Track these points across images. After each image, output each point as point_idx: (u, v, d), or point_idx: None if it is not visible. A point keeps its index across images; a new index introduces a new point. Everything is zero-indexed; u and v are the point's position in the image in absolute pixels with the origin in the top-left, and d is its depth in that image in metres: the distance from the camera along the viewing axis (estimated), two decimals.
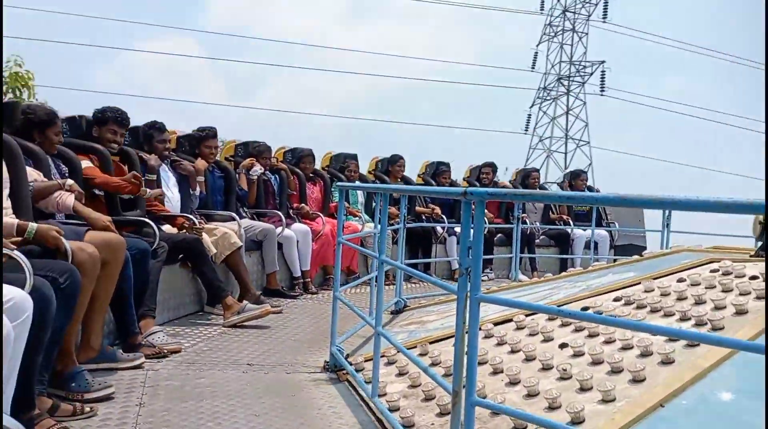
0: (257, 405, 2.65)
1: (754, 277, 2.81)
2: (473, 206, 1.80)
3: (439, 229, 7.08)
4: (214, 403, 2.64)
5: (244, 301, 4.14)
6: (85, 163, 3.68)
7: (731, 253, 3.65)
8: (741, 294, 2.66)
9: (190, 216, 4.33)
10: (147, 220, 3.82)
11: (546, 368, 2.53)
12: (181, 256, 4.13)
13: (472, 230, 1.77)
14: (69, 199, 3.11)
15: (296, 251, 5.46)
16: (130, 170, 3.96)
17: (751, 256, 3.50)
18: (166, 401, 2.64)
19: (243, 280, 4.48)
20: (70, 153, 3.57)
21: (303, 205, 5.98)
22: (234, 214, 4.89)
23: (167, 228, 4.23)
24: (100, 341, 2.98)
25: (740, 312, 2.51)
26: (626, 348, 2.48)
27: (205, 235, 4.22)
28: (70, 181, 3.17)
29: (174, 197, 4.54)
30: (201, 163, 4.86)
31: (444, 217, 7.15)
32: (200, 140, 5.03)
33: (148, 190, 3.86)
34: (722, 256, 3.32)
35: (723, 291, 2.75)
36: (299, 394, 2.85)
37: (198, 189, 4.73)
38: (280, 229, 5.28)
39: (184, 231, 4.17)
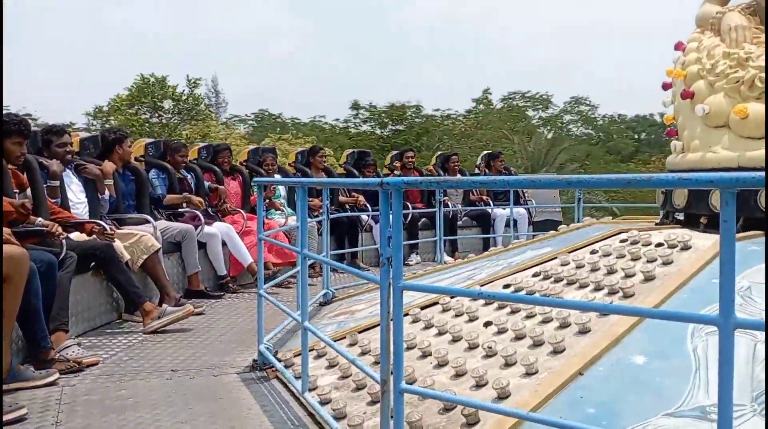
0: (184, 412, 2.56)
1: (659, 245, 2.98)
2: (391, 196, 1.79)
3: (364, 217, 7.08)
4: (137, 415, 2.53)
5: (164, 305, 3.99)
6: None
7: (638, 223, 3.86)
8: (648, 261, 2.81)
9: (100, 221, 4.11)
10: (47, 229, 3.53)
11: (472, 347, 2.59)
12: (92, 264, 3.92)
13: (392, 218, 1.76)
14: None
15: (220, 250, 5.31)
16: (30, 178, 3.71)
17: (656, 224, 3.72)
18: (85, 417, 2.50)
19: (161, 283, 4.31)
20: None
21: (225, 201, 5.83)
22: (148, 217, 4.69)
23: (76, 235, 4.00)
24: (9, 360, 2.80)
25: (648, 278, 2.65)
26: (546, 321, 2.57)
27: (117, 241, 4.03)
28: None
29: (80, 203, 4.30)
30: (109, 166, 4.63)
31: (368, 205, 7.16)
32: (118, 141, 4.79)
33: (40, 219, 3.53)
34: (630, 226, 3.50)
35: (632, 259, 2.90)
36: (228, 397, 2.78)
37: (107, 193, 4.50)
38: (199, 228, 5.12)
39: (94, 237, 3.95)
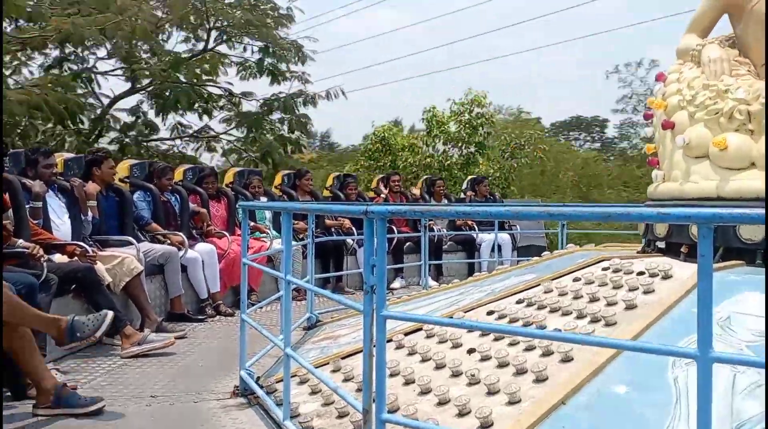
0: None
1: (641, 273, 3.01)
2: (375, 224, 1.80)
3: (349, 241, 7.08)
4: None
5: (146, 330, 3.94)
6: None
7: (620, 251, 3.90)
8: (630, 290, 2.84)
9: (82, 243, 4.07)
10: (29, 251, 3.49)
11: (455, 375, 2.58)
12: (73, 286, 3.87)
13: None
14: None
15: (202, 273, 5.27)
16: (12, 199, 3.67)
17: (637, 252, 3.75)
18: None
19: (142, 307, 4.27)
20: None
21: (207, 223, 5.80)
22: (131, 239, 4.65)
23: (57, 257, 3.96)
24: (54, 382, 2.76)
25: (630, 307, 2.67)
26: (529, 349, 2.57)
27: (99, 263, 3.98)
28: None
29: (63, 224, 4.26)
30: (92, 187, 4.60)
31: (354, 228, 7.16)
32: (96, 162, 4.77)
33: (21, 240, 3.49)
34: (612, 254, 3.53)
35: (614, 288, 2.92)
36: (208, 424, 2.73)
37: (90, 214, 4.46)
38: (182, 251, 5.08)
39: (76, 259, 3.91)
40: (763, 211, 1.13)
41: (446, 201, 8.50)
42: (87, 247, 4.04)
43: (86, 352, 3.99)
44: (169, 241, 5.12)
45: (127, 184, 5.34)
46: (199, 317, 5.06)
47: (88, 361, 3.74)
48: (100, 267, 4.00)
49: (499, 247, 7.70)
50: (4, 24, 10.06)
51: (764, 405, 1.87)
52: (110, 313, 2.93)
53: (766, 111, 3.07)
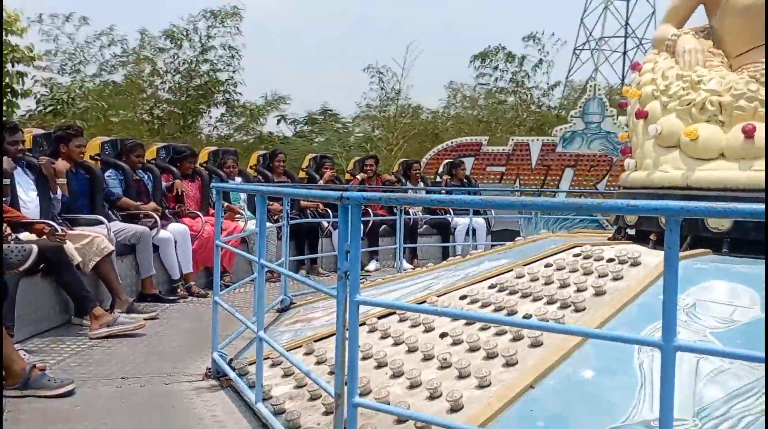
0: (133, 422, 2.51)
1: (610, 260, 3.06)
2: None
3: (324, 223, 7.06)
4: (85, 425, 2.46)
5: (116, 312, 3.90)
6: None
7: (591, 238, 3.96)
8: (599, 276, 2.89)
9: (51, 222, 4.00)
10: None
11: (427, 358, 2.60)
12: (41, 265, 3.80)
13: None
14: None
15: (174, 253, 5.21)
16: None
17: (608, 239, 3.82)
18: (28, 427, 2.42)
19: (113, 287, 4.21)
20: None
21: (180, 204, 5.73)
22: (101, 218, 4.57)
23: (25, 235, 3.88)
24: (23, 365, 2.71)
25: (599, 293, 2.72)
26: (500, 333, 2.61)
27: (68, 242, 3.91)
28: None
29: (31, 202, 4.17)
30: (62, 164, 4.50)
31: (329, 210, 7.14)
32: (63, 139, 4.65)
33: None
34: (583, 240, 3.58)
35: (584, 274, 2.97)
36: (179, 406, 2.73)
37: (59, 192, 4.37)
38: (155, 230, 5.02)
39: (44, 238, 3.84)
40: (730, 204, 1.15)
41: (422, 184, 8.51)
42: (56, 225, 3.97)
43: (54, 332, 3.94)
44: (142, 216, 5.05)
45: (98, 162, 5.24)
46: (171, 298, 5.02)
47: (57, 341, 3.70)
48: (69, 246, 3.93)
49: (474, 231, 7.75)
50: None
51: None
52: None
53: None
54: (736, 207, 1.14)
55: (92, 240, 4.17)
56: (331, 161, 8.15)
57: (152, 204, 5.16)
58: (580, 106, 10.68)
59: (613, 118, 10.20)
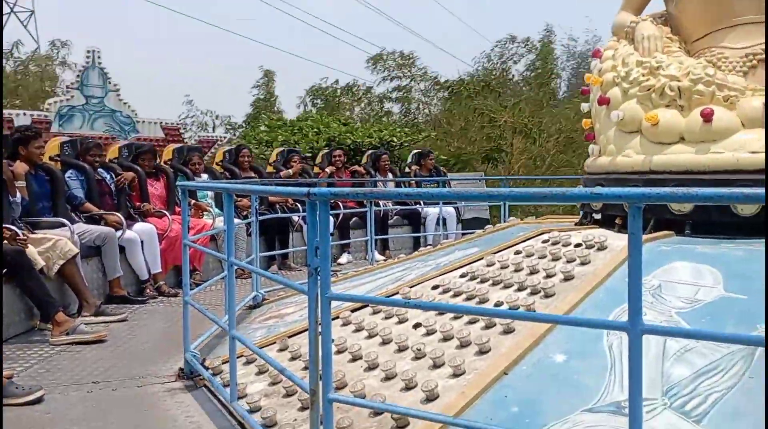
0: (107, 427, 2.46)
1: (578, 245, 3.12)
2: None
3: (295, 217, 7.02)
4: None
5: (78, 319, 3.82)
6: None
7: (559, 223, 4.02)
8: (568, 261, 2.94)
9: (11, 226, 3.89)
10: None
11: (402, 349, 2.62)
12: (3, 270, 3.70)
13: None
14: None
15: (141, 253, 5.12)
16: None
17: (575, 224, 3.88)
18: None
19: (79, 290, 4.13)
20: None
21: (145, 203, 5.62)
22: (64, 220, 4.46)
23: None
24: None
25: (567, 278, 2.77)
26: (472, 322, 2.64)
27: (30, 247, 3.81)
28: None
29: None
30: (20, 167, 4.37)
31: (299, 204, 7.09)
32: (22, 141, 4.52)
33: None
34: (551, 226, 3.63)
35: (552, 260, 3.02)
36: (153, 408, 2.69)
37: (18, 195, 4.25)
38: (120, 231, 4.92)
39: (5, 242, 3.73)
40: (690, 189, 1.18)
41: (391, 175, 8.51)
42: (17, 229, 3.86)
43: (20, 338, 3.84)
44: (105, 222, 4.95)
45: (58, 163, 5.11)
46: (140, 299, 4.93)
47: (23, 348, 3.61)
48: (31, 250, 3.84)
49: (444, 220, 7.80)
50: None
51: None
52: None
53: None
54: (696, 191, 1.17)
55: (55, 243, 4.08)
56: (299, 155, 8.09)
57: (115, 217, 5.03)
58: (78, 76, 8.95)
59: (117, 92, 8.59)
